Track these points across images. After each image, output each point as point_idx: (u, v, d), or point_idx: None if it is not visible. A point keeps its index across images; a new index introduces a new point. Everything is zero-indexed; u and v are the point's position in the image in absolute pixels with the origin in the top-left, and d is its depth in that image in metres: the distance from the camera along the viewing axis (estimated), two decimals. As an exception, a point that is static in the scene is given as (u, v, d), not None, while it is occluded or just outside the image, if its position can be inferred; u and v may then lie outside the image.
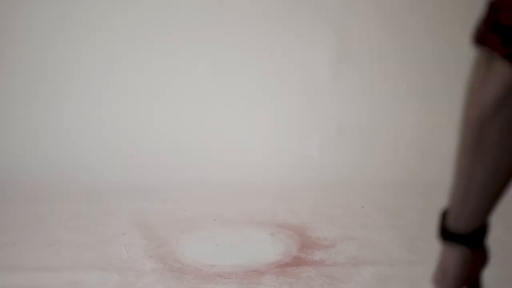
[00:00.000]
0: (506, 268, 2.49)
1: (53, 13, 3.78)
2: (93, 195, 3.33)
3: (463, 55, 4.00)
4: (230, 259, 2.63)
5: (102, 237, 2.83)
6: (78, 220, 3.03)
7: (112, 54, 3.81)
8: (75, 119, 3.81)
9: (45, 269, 2.54)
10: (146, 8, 3.78)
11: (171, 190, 3.38)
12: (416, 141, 3.68)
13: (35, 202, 3.24)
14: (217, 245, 2.78)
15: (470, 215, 0.91)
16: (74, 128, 3.79)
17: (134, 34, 3.79)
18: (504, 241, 2.71)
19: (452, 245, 0.95)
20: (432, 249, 2.69)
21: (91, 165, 3.62)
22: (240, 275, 2.48)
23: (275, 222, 3.00)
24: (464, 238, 0.93)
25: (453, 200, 0.91)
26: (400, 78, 3.59)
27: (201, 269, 2.54)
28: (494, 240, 2.86)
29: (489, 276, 2.55)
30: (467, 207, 0.90)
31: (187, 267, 2.56)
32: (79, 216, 3.08)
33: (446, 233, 0.95)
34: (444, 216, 0.96)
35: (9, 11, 3.77)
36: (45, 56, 3.82)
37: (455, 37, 3.78)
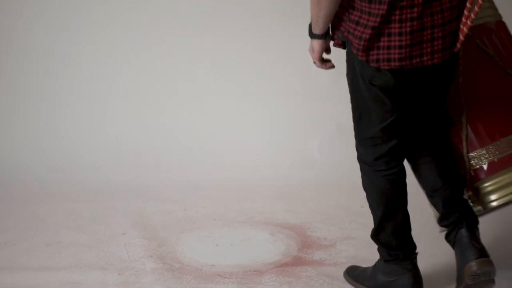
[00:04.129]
0: (506, 268, 2.49)
1: (57, 11, 3.78)
2: (93, 195, 3.33)
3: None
4: (230, 259, 2.63)
5: (102, 237, 2.83)
6: (78, 220, 3.03)
7: (113, 54, 3.81)
8: (75, 119, 3.80)
9: (45, 269, 2.54)
10: (149, 9, 3.78)
11: (171, 190, 3.38)
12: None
13: (35, 202, 3.24)
14: (217, 245, 2.78)
15: (321, 27, 2.00)
16: (74, 128, 3.79)
17: (137, 35, 3.79)
18: (504, 241, 2.72)
19: (315, 39, 2.04)
20: (431, 249, 2.70)
21: (91, 165, 3.61)
22: (240, 275, 2.49)
23: (275, 222, 3.00)
24: (319, 36, 2.03)
25: (312, 20, 2.01)
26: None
27: (200, 269, 2.54)
28: (495, 241, 2.85)
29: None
30: (320, 23, 1.99)
31: (187, 267, 2.56)
32: (79, 216, 3.08)
33: (312, 34, 2.04)
34: (310, 26, 2.04)
35: (13, 9, 3.77)
36: (47, 55, 3.81)
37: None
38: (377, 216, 2.23)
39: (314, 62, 2.11)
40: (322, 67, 2.13)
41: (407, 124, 2.12)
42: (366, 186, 2.24)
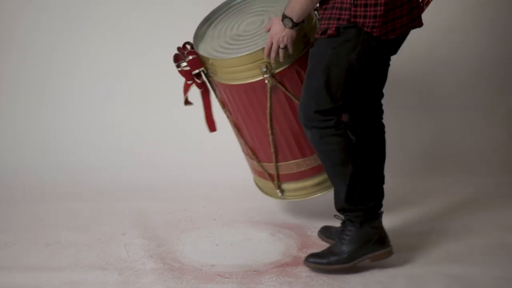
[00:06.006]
0: (506, 268, 2.49)
1: (57, 11, 3.78)
2: (93, 195, 3.33)
3: (462, 56, 3.99)
4: (230, 259, 2.63)
5: (102, 237, 2.83)
6: (78, 220, 3.03)
7: (114, 54, 3.81)
8: (75, 119, 3.81)
9: (45, 269, 2.54)
10: (149, 10, 3.78)
11: (171, 190, 3.38)
12: (416, 140, 3.68)
13: (35, 202, 3.24)
14: (217, 245, 2.78)
15: (299, 17, 2.28)
16: (75, 128, 3.79)
17: (139, 35, 3.79)
18: (504, 241, 2.72)
19: (294, 29, 2.32)
20: (431, 249, 2.70)
21: (92, 165, 3.62)
22: (240, 275, 2.49)
23: (275, 222, 3.00)
24: (297, 25, 2.32)
25: (292, 9, 2.27)
26: (398, 77, 3.59)
27: (200, 268, 2.54)
28: (495, 240, 2.86)
29: (489, 275, 2.56)
30: (300, 14, 2.27)
31: (187, 266, 2.56)
32: (79, 216, 3.08)
33: (294, 24, 2.30)
34: (288, 20, 2.29)
35: (13, 10, 3.77)
36: (47, 56, 3.82)
37: (457, 38, 3.78)
38: (346, 174, 2.36)
39: (284, 48, 2.36)
40: (289, 52, 2.39)
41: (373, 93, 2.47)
42: (329, 148, 2.35)
